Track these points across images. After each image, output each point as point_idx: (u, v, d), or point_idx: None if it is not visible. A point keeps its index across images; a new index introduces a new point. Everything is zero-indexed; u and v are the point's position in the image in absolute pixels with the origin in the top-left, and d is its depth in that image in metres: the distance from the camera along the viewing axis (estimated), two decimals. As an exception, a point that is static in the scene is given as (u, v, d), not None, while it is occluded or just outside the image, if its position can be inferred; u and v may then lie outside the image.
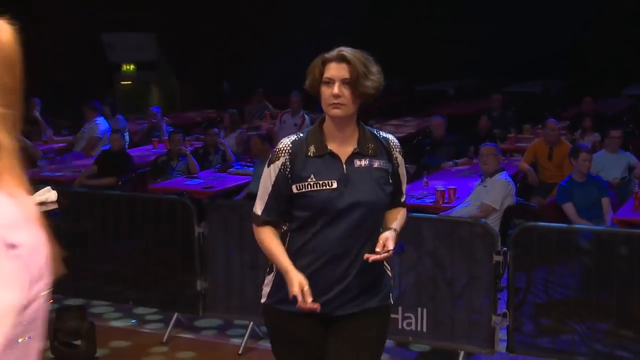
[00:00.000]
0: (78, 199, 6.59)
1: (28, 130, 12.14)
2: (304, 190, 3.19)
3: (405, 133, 12.69)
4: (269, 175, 3.26)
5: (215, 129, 10.18)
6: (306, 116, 11.75)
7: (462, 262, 5.45)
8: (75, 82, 17.07)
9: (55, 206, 4.12)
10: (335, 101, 3.15)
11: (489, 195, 6.99)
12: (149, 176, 9.32)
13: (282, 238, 3.31)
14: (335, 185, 3.18)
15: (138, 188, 8.78)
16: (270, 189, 3.26)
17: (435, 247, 5.51)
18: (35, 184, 4.19)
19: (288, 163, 3.21)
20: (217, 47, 18.11)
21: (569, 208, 7.16)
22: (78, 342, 5.54)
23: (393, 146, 3.35)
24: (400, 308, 5.60)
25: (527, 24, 19.43)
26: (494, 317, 5.36)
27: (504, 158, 8.53)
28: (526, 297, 5.47)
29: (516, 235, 5.40)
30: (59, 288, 7.03)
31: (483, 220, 5.78)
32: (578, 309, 5.37)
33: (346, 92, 3.14)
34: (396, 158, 3.35)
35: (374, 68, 3.19)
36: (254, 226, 3.36)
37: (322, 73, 3.19)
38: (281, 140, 3.32)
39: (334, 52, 3.19)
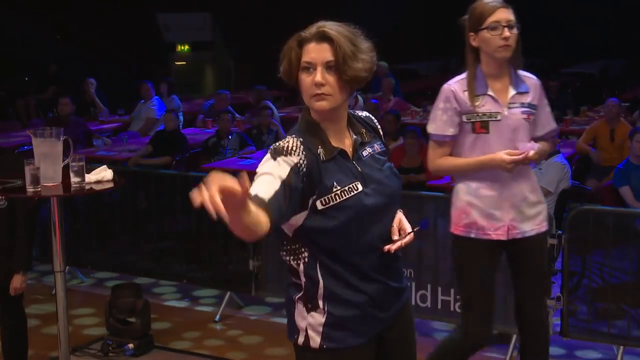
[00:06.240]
0: (133, 178, 6.65)
1: (86, 110, 12.33)
2: (331, 203, 2.57)
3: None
4: (275, 166, 2.56)
5: (269, 110, 10.21)
6: (359, 97, 11.68)
7: (516, 245, 5.39)
8: (131, 62, 17.26)
9: (111, 185, 4.19)
10: (319, 91, 2.56)
11: (544, 178, 6.91)
12: (202, 157, 9.38)
13: (311, 275, 2.66)
14: (360, 187, 2.62)
15: (191, 168, 8.85)
16: (279, 184, 2.50)
17: (489, 229, 5.46)
18: (91, 163, 4.27)
19: (304, 166, 2.55)
20: (273, 26, 18.12)
21: (625, 191, 7.05)
22: (132, 319, 5.62)
23: (376, 124, 2.85)
24: (452, 291, 5.57)
25: (586, 2, 19.10)
26: (547, 301, 5.30)
27: (559, 140, 8.41)
28: (581, 281, 5.41)
29: (571, 218, 5.33)
30: (114, 266, 7.15)
31: (538, 203, 5.70)
32: (634, 293, 5.30)
33: (331, 78, 2.55)
34: (382, 135, 2.86)
35: (364, 45, 2.59)
36: None
37: (299, 57, 2.58)
38: (283, 139, 2.66)
39: (312, 29, 2.57)
